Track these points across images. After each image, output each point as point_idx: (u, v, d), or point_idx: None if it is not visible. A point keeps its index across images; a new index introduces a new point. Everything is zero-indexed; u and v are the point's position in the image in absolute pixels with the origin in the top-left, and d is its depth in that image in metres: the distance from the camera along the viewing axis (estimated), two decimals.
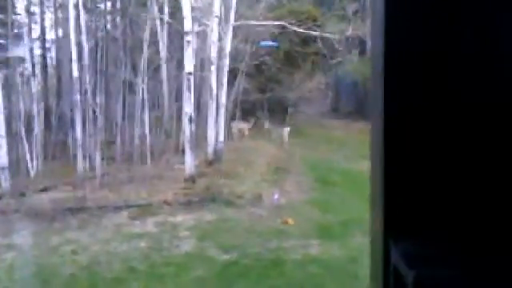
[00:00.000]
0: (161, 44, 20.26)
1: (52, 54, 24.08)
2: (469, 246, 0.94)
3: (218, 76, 18.86)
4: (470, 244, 0.94)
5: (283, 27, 22.14)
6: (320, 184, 16.60)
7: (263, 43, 22.79)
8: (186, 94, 17.71)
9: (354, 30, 23.05)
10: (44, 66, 23.15)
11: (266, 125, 23.32)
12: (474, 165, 0.95)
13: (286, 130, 22.07)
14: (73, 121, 17.92)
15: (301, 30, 22.25)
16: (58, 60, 22.62)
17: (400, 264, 0.88)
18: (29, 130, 17.87)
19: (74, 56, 17.63)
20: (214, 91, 18.55)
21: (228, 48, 19.33)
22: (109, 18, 22.77)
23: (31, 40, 21.02)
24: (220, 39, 19.08)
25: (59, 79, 21.90)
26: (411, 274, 0.83)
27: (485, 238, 0.94)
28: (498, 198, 0.95)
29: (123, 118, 19.81)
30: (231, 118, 21.92)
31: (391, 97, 0.96)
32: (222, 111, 19.21)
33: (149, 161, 17.92)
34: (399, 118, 0.96)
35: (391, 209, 0.96)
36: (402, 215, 0.96)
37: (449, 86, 0.95)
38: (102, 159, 17.46)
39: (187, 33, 17.27)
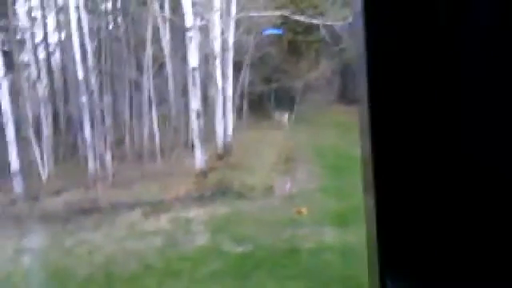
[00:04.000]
0: (164, 41, 20.21)
1: (56, 57, 24.11)
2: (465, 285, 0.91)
3: (222, 69, 18.83)
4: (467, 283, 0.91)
5: (285, 17, 22.05)
6: (330, 171, 16.55)
7: (267, 31, 22.69)
8: (191, 90, 17.72)
9: None
10: (49, 70, 23.14)
11: (274, 115, 23.33)
12: (471, 198, 0.89)
13: (285, 115, 22.24)
14: (81, 122, 18.00)
15: (303, 19, 22.15)
16: (63, 63, 22.64)
17: None
18: (38, 133, 17.96)
19: (78, 58, 17.68)
20: (220, 85, 18.53)
21: (231, 41, 19.29)
22: (110, 17, 22.76)
23: (35, 44, 21.06)
24: (222, 32, 19.03)
25: (65, 82, 21.90)
26: None
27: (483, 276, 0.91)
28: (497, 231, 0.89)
29: (131, 117, 19.85)
30: (239, 109, 21.91)
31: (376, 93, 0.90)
32: (229, 104, 19.20)
33: (159, 158, 17.96)
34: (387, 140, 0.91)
35: (387, 248, 0.92)
36: (399, 252, 0.92)
37: (437, 79, 0.88)
38: (113, 158, 17.54)
39: (189, 28, 17.27)
